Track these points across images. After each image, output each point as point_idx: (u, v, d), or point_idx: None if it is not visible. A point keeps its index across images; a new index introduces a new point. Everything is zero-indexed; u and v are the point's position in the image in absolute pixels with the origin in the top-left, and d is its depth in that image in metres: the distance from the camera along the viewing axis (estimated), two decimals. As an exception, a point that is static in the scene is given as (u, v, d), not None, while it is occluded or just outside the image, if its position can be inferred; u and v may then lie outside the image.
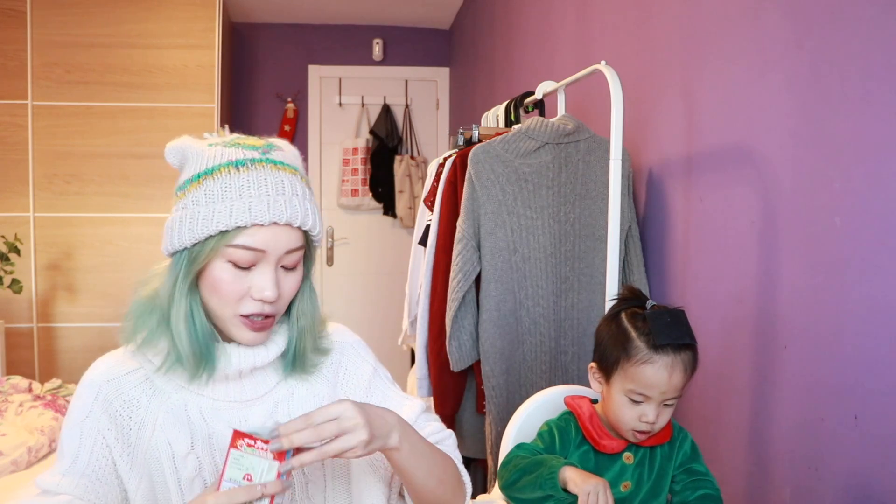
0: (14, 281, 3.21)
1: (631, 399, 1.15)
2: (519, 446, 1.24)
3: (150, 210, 3.60)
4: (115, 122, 3.60)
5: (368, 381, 1.10)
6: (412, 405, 1.10)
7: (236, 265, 0.93)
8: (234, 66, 4.60)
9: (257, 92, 4.75)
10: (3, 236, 3.33)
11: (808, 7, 1.22)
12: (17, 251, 3.25)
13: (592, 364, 1.23)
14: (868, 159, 1.08)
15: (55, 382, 2.76)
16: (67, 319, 3.60)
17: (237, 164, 0.94)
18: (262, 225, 0.92)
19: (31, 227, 3.55)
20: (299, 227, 0.95)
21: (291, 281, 0.98)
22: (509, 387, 1.79)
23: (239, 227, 0.92)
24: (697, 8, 1.59)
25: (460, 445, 2.03)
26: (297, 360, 1.04)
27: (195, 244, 0.94)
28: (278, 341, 1.02)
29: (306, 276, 1.03)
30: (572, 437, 1.22)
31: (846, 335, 1.14)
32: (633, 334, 1.15)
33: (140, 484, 0.99)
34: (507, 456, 1.23)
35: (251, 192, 0.92)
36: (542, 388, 1.42)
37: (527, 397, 1.40)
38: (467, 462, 2.16)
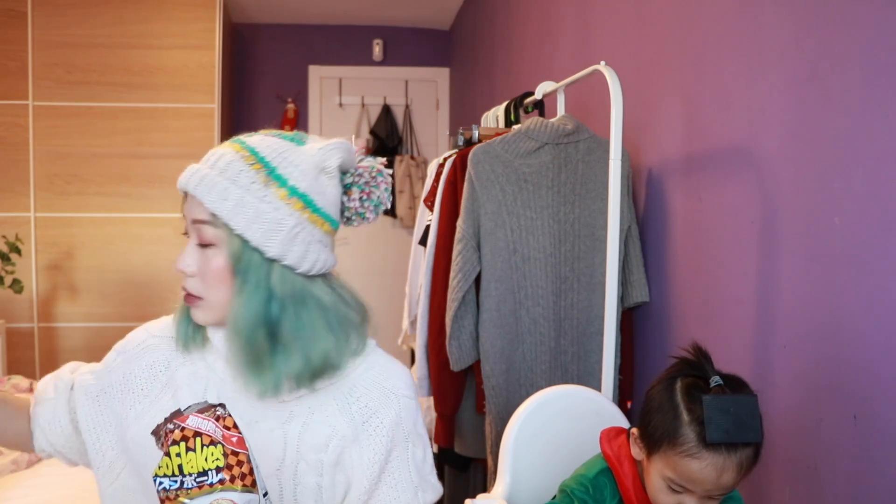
0: (15, 281, 3.21)
1: (670, 487, 1.00)
2: None
3: (150, 210, 3.60)
4: (116, 122, 3.60)
5: (390, 451, 0.98)
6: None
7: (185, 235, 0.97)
8: (235, 67, 4.60)
9: (258, 92, 4.76)
10: (3, 236, 3.33)
11: (808, 7, 1.22)
12: (18, 251, 3.25)
13: (635, 430, 1.08)
14: (868, 159, 1.09)
15: (56, 382, 2.76)
16: (68, 319, 3.60)
17: None
18: (184, 191, 0.93)
19: (31, 227, 3.55)
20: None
21: (208, 262, 0.92)
22: (509, 386, 1.79)
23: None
24: (697, 8, 1.59)
25: (460, 445, 2.03)
26: (241, 370, 0.94)
27: None
28: None
29: (243, 275, 0.92)
30: (607, 501, 1.09)
31: (845, 335, 1.14)
32: (685, 418, 0.97)
33: (133, 447, 0.98)
34: None
35: None
36: (542, 388, 1.42)
37: (527, 397, 1.40)
38: (467, 462, 2.16)
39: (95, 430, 1.03)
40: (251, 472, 0.93)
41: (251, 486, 0.93)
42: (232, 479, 0.90)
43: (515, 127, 1.90)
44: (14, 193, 3.54)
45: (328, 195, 0.96)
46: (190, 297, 0.95)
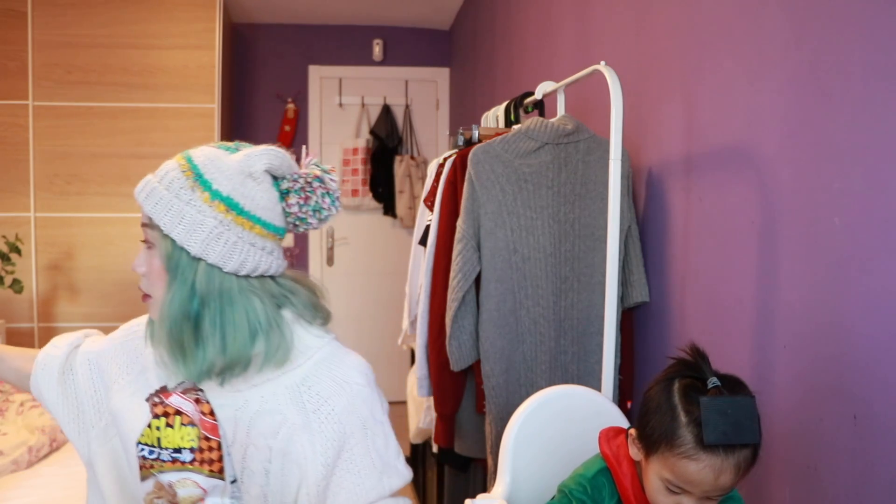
0: (15, 281, 3.21)
1: (668, 488, 1.00)
2: None
3: (150, 210, 3.59)
4: (116, 122, 3.60)
5: (344, 438, 1.02)
6: (383, 489, 1.03)
7: None
8: (235, 67, 4.60)
9: (258, 92, 4.75)
10: (3, 236, 3.33)
11: (808, 7, 1.22)
12: (18, 251, 3.25)
13: (633, 431, 1.08)
14: (867, 159, 1.09)
15: (56, 382, 2.76)
16: (68, 319, 3.60)
17: None
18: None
19: (31, 228, 3.55)
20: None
21: (151, 261, 1.02)
22: (509, 386, 1.79)
23: None
24: (697, 8, 1.59)
25: (460, 445, 2.03)
26: (166, 358, 1.02)
27: None
28: None
29: (173, 272, 1.00)
30: (605, 501, 1.09)
31: (845, 335, 1.14)
32: (682, 419, 0.97)
33: (113, 417, 1.10)
34: None
35: None
36: (542, 388, 1.42)
37: (527, 397, 1.40)
38: (467, 462, 2.16)
39: (96, 394, 1.14)
40: (220, 458, 0.96)
41: (218, 473, 0.96)
42: (201, 462, 0.93)
43: (515, 127, 1.90)
44: (14, 193, 3.54)
45: (258, 199, 1.01)
46: (144, 296, 1.04)
